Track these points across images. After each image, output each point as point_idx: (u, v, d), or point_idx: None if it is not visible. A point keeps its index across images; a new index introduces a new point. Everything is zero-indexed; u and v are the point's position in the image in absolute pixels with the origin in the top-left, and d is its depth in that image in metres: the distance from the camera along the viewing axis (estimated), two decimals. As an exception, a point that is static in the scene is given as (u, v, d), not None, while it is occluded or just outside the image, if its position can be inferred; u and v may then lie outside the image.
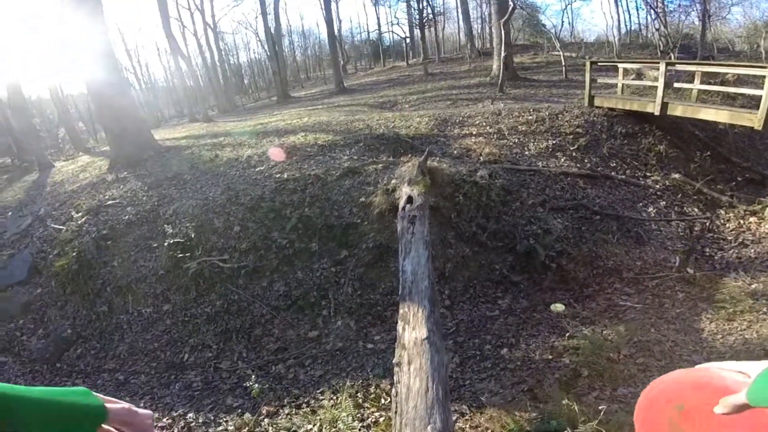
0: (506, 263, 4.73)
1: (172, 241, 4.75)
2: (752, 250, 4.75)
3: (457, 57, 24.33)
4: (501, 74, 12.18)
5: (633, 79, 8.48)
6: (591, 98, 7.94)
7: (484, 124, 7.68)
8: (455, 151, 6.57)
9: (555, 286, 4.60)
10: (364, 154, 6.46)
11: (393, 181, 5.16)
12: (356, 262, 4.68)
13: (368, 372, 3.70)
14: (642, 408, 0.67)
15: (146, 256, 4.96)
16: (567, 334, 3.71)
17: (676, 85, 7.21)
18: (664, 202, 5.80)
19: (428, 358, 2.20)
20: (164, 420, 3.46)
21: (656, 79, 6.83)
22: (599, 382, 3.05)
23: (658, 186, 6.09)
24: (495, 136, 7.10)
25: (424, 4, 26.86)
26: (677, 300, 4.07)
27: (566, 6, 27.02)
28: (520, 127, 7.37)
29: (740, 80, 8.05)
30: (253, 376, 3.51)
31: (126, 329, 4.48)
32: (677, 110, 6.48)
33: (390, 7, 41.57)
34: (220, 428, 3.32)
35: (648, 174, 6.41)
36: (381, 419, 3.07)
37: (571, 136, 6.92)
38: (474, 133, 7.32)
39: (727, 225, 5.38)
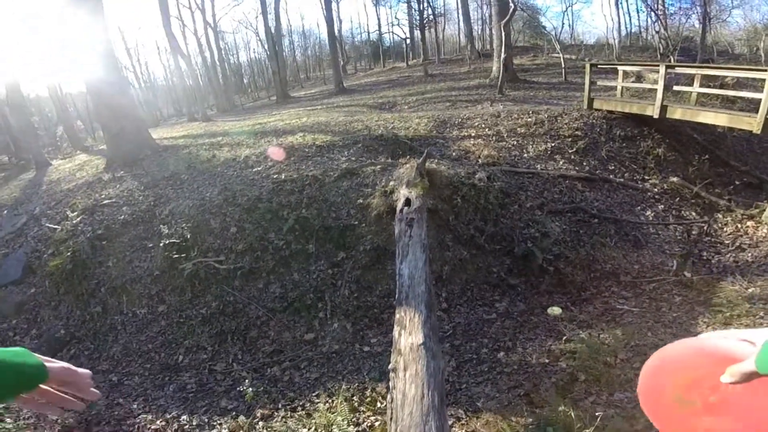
0: (504, 266, 4.72)
1: (167, 242, 4.72)
2: (749, 254, 4.75)
3: (457, 58, 24.34)
4: (501, 76, 12.18)
5: (632, 82, 8.48)
6: (590, 101, 7.94)
7: (483, 125, 7.66)
8: (454, 153, 6.56)
9: (552, 290, 4.59)
10: (363, 155, 6.44)
11: (391, 183, 5.14)
12: (353, 264, 4.65)
13: (364, 375, 3.68)
14: (646, 379, 0.66)
15: (141, 256, 4.92)
16: (564, 338, 3.71)
17: (675, 88, 7.21)
18: (662, 206, 5.79)
19: (424, 364, 2.17)
20: (158, 422, 3.43)
21: (655, 81, 6.83)
22: (596, 387, 3.03)
23: (656, 189, 6.09)
24: (494, 138, 7.09)
25: (425, 5, 26.90)
26: (674, 304, 4.06)
27: (567, 8, 27.08)
28: (519, 129, 7.36)
29: (739, 83, 8.06)
30: (247, 381, 3.49)
31: (120, 330, 4.44)
32: (676, 113, 6.48)
33: (391, 8, 41.59)
34: (214, 431, 3.29)
35: (646, 177, 6.40)
36: (376, 423, 3.04)
37: (570, 139, 6.91)
38: (473, 134, 7.31)
39: (725, 229, 5.38)
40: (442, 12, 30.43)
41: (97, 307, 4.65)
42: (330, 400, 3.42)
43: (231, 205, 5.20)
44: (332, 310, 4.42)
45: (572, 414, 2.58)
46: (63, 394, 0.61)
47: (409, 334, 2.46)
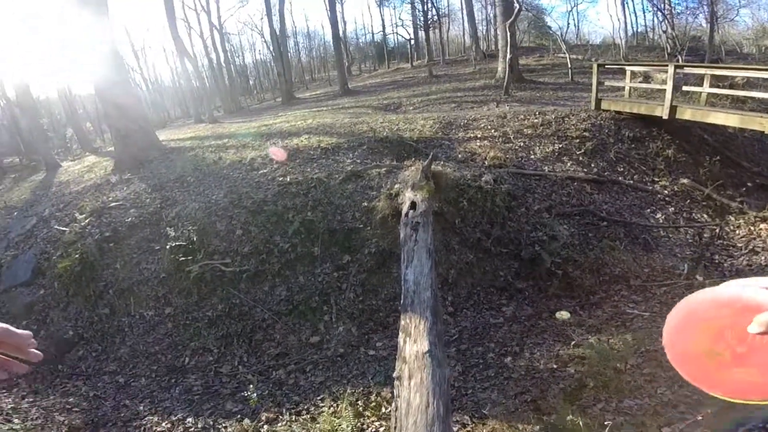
0: (511, 270, 4.67)
1: (174, 244, 4.74)
2: (763, 258, 4.65)
3: (461, 59, 24.26)
4: (506, 76, 12.10)
5: (640, 82, 8.38)
6: (598, 101, 7.85)
7: (489, 127, 7.61)
8: (460, 155, 6.52)
9: (560, 294, 4.53)
10: (368, 157, 6.43)
11: (396, 186, 5.12)
12: (358, 268, 4.63)
13: (369, 379, 3.66)
14: (670, 333, 0.65)
15: (148, 258, 4.95)
16: (572, 343, 3.65)
17: (684, 88, 7.10)
18: (672, 208, 5.70)
19: (429, 373, 2.14)
20: (164, 424, 3.44)
21: (664, 82, 6.73)
22: (605, 394, 2.98)
23: (666, 191, 6.00)
24: (500, 139, 7.04)
25: (429, 5, 26.84)
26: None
27: (572, 8, 26.85)
28: (525, 130, 7.29)
29: (749, 83, 7.92)
30: (251, 386, 3.48)
31: (127, 332, 4.47)
32: (686, 114, 6.38)
33: (395, 9, 41.61)
34: (219, 435, 3.29)
35: (656, 179, 6.31)
36: (381, 429, 3.02)
37: (578, 140, 6.84)
38: (479, 136, 7.26)
39: (737, 232, 5.28)
40: (447, 12, 30.31)
41: (105, 308, 4.69)
42: (335, 404, 3.40)
43: (237, 208, 5.22)
44: (337, 314, 4.40)
45: (580, 422, 2.53)
46: (3, 356, 0.61)
47: (414, 341, 2.43)
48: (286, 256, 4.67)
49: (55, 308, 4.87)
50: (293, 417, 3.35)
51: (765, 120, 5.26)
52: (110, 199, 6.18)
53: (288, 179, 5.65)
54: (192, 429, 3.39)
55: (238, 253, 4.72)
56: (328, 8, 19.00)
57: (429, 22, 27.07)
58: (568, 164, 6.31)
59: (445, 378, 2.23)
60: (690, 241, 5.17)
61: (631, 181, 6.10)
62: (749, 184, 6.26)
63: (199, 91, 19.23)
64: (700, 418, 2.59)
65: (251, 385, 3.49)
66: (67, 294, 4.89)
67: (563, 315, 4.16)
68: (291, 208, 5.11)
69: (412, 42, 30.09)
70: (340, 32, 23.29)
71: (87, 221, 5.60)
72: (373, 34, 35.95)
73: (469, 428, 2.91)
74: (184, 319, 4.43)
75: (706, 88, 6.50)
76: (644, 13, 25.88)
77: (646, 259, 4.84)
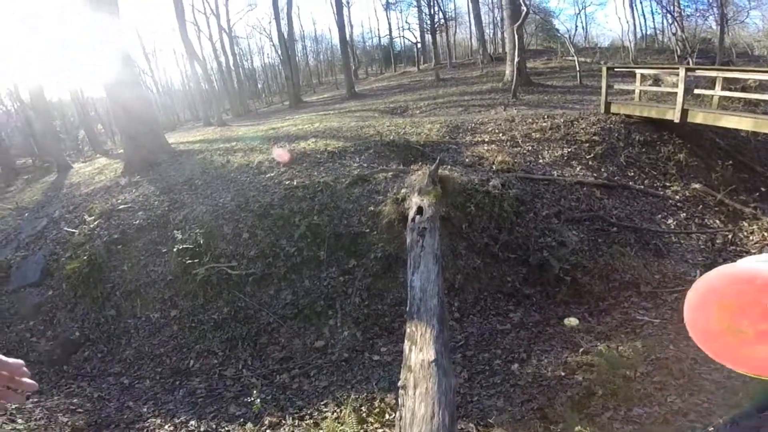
0: (519, 275, 4.61)
1: (181, 247, 4.77)
2: None
3: (468, 62, 24.21)
4: (514, 80, 12.04)
5: (650, 85, 8.28)
6: (607, 105, 7.77)
7: (496, 131, 7.56)
8: (467, 159, 6.48)
9: (569, 300, 4.47)
10: (374, 161, 6.42)
11: (403, 190, 5.10)
12: (364, 272, 4.61)
13: (373, 385, 3.63)
14: (691, 311, 0.65)
15: (155, 261, 4.99)
16: (581, 350, 3.60)
17: (696, 91, 6.98)
18: (684, 214, 5.59)
19: (435, 382, 2.10)
20: (166, 426, 3.44)
21: (674, 85, 6.63)
22: (614, 402, 2.92)
23: (677, 197, 5.89)
24: (508, 143, 6.98)
25: (436, 9, 26.87)
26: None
27: (580, 10, 26.67)
28: (534, 134, 7.23)
29: (762, 86, 7.77)
30: (255, 391, 3.47)
31: (133, 333, 4.50)
32: (698, 117, 6.27)
33: (401, 12, 41.59)
34: (222, 438, 3.28)
35: (667, 184, 6.20)
36: (385, 436, 2.99)
37: (587, 144, 6.75)
38: (486, 140, 7.21)
39: (751, 238, 5.16)
40: (453, 16, 30.33)
41: (112, 310, 4.73)
42: (338, 410, 3.37)
43: (244, 211, 5.24)
44: (343, 318, 4.38)
45: (588, 431, 2.47)
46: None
47: (419, 350, 2.39)
48: (292, 259, 4.67)
49: (63, 309, 4.92)
50: (296, 422, 3.33)
51: (780, 124, 5.15)
52: (119, 201, 6.25)
53: (295, 183, 5.66)
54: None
55: (245, 257, 4.73)
56: (335, 12, 19.16)
57: (436, 25, 27.09)
58: (578, 169, 6.23)
59: (451, 387, 2.19)
60: (702, 247, 5.06)
61: (642, 186, 6.00)
62: (762, 189, 6.12)
63: (208, 94, 19.45)
64: (711, 429, 2.52)
65: (255, 390, 3.48)
66: (74, 295, 4.94)
67: (571, 321, 4.10)
68: (297, 211, 5.11)
69: (419, 45, 30.14)
70: (347, 36, 23.44)
71: (96, 223, 5.68)
72: (379, 37, 36.07)
73: (474, 437, 2.86)
74: (189, 321, 4.44)
75: (717, 91, 6.40)
76: (653, 15, 25.60)
77: (657, 265, 4.75)
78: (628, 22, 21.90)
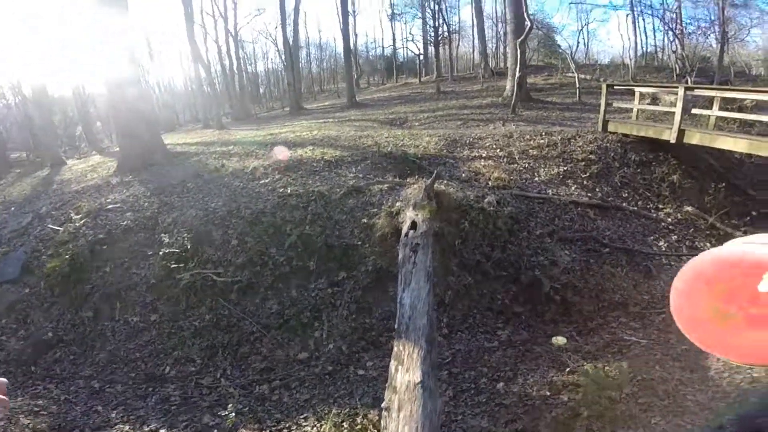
0: (509, 293, 4.57)
1: (167, 251, 4.69)
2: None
3: (470, 76, 24.48)
4: (514, 95, 12.12)
5: (648, 104, 8.31)
6: (605, 123, 7.80)
7: (494, 146, 7.57)
8: (464, 174, 6.46)
9: (558, 319, 4.44)
10: (370, 172, 6.39)
11: (398, 204, 5.07)
12: (354, 285, 4.55)
13: (357, 400, 3.54)
14: (679, 295, 0.63)
15: (139, 264, 4.89)
16: (567, 369, 3.57)
17: (693, 111, 6.97)
18: (675, 236, 5.59)
19: (420, 405, 2.04)
20: None
21: (672, 104, 6.65)
22: (599, 423, 2.88)
23: (670, 219, 5.89)
24: (505, 159, 6.99)
25: (441, 21, 27.25)
26: (683, 336, 3.86)
27: (583, 26, 27.11)
28: (531, 151, 7.25)
29: (758, 106, 7.82)
30: (231, 405, 3.36)
31: (109, 337, 4.38)
32: (694, 138, 6.27)
33: (406, 24, 42.36)
34: (193, 449, 3.17)
35: (660, 206, 6.21)
36: (365, 456, 2.89)
37: (583, 163, 6.77)
38: (484, 155, 7.21)
39: (742, 262, 5.15)
40: (457, 29, 30.79)
41: (89, 312, 4.61)
42: (318, 424, 3.29)
43: (234, 218, 5.18)
44: (329, 330, 4.30)
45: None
46: None
47: (406, 370, 2.32)
48: (280, 269, 4.60)
49: (38, 308, 4.79)
50: (274, 436, 3.23)
51: (774, 146, 5.17)
52: (108, 200, 6.17)
53: (289, 191, 5.61)
54: (165, 441, 3.26)
55: (232, 264, 4.65)
56: (341, 21, 19.39)
57: (439, 38, 27.46)
58: (573, 188, 6.23)
59: (436, 411, 2.13)
60: (693, 270, 5.04)
61: (635, 208, 6.00)
62: (754, 213, 6.15)
63: (209, 97, 19.50)
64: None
65: (230, 404, 3.37)
66: (52, 294, 4.82)
67: (559, 340, 4.07)
68: (289, 220, 5.06)
69: (422, 57, 30.49)
70: (351, 45, 23.66)
71: (82, 222, 5.58)
72: (383, 47, 36.52)
73: (457, 459, 2.78)
74: (169, 327, 4.34)
75: (715, 111, 6.35)
76: (654, 32, 26.00)
77: (647, 286, 4.75)
78: (629, 39, 22.26)
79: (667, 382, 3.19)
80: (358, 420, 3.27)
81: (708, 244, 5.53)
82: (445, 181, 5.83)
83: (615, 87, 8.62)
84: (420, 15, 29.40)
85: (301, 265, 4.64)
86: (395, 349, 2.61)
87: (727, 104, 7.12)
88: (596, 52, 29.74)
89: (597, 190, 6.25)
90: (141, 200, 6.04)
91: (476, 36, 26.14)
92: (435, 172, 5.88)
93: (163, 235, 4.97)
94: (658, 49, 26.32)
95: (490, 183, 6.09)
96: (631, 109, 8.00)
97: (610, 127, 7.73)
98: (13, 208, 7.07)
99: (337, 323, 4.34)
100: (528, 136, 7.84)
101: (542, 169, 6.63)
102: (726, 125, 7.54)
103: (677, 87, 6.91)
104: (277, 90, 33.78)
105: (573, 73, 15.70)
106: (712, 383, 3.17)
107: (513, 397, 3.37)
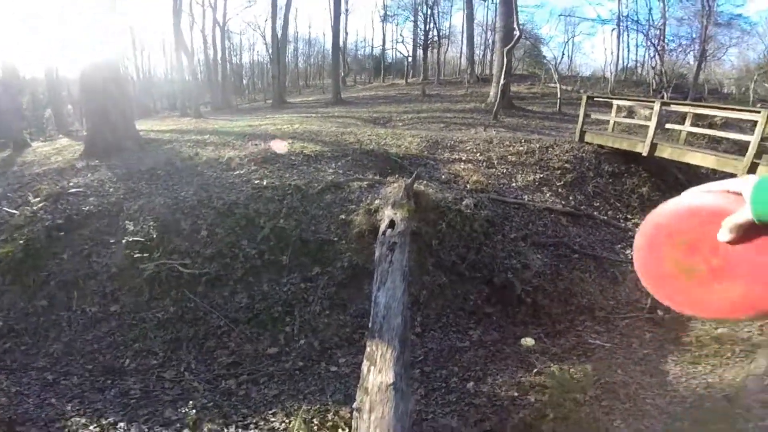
0: (482, 295, 4.63)
1: (131, 239, 4.46)
2: None
3: (455, 80, 24.81)
4: (497, 102, 12.37)
5: (624, 117, 8.61)
6: (582, 134, 8.03)
7: (474, 150, 7.68)
8: (443, 176, 6.52)
9: (528, 321, 4.54)
10: (351, 169, 6.34)
11: (377, 202, 5.04)
12: (328, 281, 4.48)
13: (328, 397, 3.49)
14: (642, 250, 0.61)
15: (101, 251, 4.64)
16: (535, 370, 3.65)
17: (667, 125, 7.25)
18: (642, 245, 5.82)
19: (392, 407, 2.01)
20: (92, 427, 3.14)
21: (647, 117, 6.90)
22: (563, 426, 2.94)
23: (637, 229, 6.14)
24: (484, 164, 7.09)
25: (431, 25, 27.51)
26: (645, 341, 4.08)
27: (569, 38, 27.97)
28: (509, 157, 7.39)
29: (726, 123, 8.23)
30: (191, 402, 3.23)
31: (65, 327, 4.12)
32: (665, 152, 6.54)
33: (397, 25, 42.39)
34: (154, 444, 3.03)
35: (629, 216, 6.46)
36: (334, 453, 2.84)
37: (559, 171, 6.96)
38: (464, 158, 7.30)
39: (701, 270, 5.43)
40: (447, 34, 31.16)
41: (44, 300, 4.33)
42: (287, 421, 3.22)
43: (205, 207, 4.99)
44: (300, 326, 4.21)
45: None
46: None
47: (378, 371, 2.28)
48: (251, 262, 4.47)
49: (-13, 297, 4.46)
50: (240, 430, 3.14)
51: (738, 163, 5.44)
52: (71, 184, 5.83)
53: (264, 183, 5.48)
54: (123, 435, 3.11)
55: (200, 255, 4.48)
56: (332, 17, 19.23)
57: (429, 41, 27.71)
58: (547, 195, 6.39)
59: (407, 413, 2.11)
60: (657, 277, 5.28)
61: (606, 217, 6.21)
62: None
63: (189, 85, 18.90)
64: None
65: (191, 402, 3.24)
66: (3, 282, 4.49)
67: (528, 342, 4.15)
68: (263, 213, 4.93)
69: (410, 59, 30.70)
70: (341, 42, 23.50)
71: (41, 205, 5.24)
72: (372, 47, 36.54)
73: (424, 458, 2.78)
74: (130, 318, 4.13)
75: (686, 127, 6.58)
76: (636, 48, 27.12)
77: (613, 292, 4.92)
78: (612, 53, 23.05)
79: (629, 386, 3.30)
80: (329, 417, 3.22)
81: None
82: (425, 182, 5.85)
83: (594, 99, 8.90)
84: (412, 18, 29.60)
85: (273, 259, 4.53)
86: (368, 349, 2.57)
87: (698, 120, 7.43)
88: (579, 64, 30.77)
89: (570, 198, 6.44)
90: (106, 185, 5.74)
91: (465, 42, 26.52)
92: (415, 172, 5.90)
93: (127, 222, 4.73)
94: (638, 64, 27.51)
95: (468, 186, 6.17)
96: (608, 121, 8.27)
97: (587, 138, 7.98)
98: (-34, 190, 6.57)
99: (309, 319, 4.27)
100: (508, 143, 8.00)
101: (519, 175, 6.78)
102: (696, 140, 7.91)
103: (653, 102, 7.17)
104: (261, 82, 33.19)
105: (555, 83, 16.17)
106: (670, 388, 3.30)
107: (482, 396, 3.41)
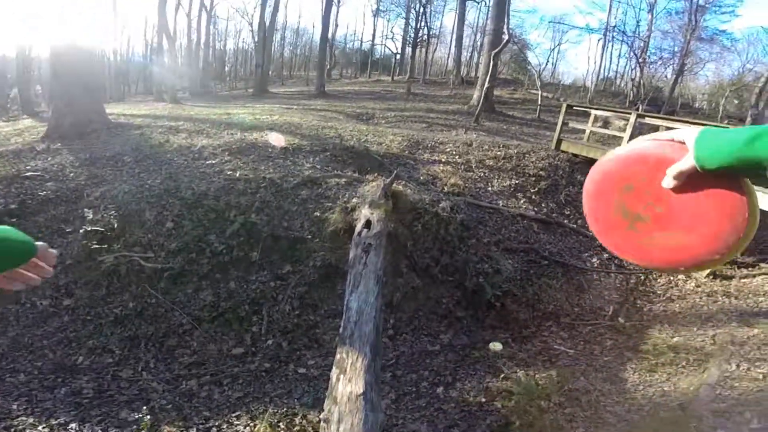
0: (453, 298, 4.66)
1: (89, 229, 4.20)
2: (677, 305, 5.00)
3: (441, 81, 24.94)
4: (479, 105, 12.50)
5: (600, 127, 8.83)
6: (559, 142, 8.20)
7: (454, 152, 7.72)
8: (422, 177, 6.51)
9: (496, 325, 4.61)
10: (329, 164, 6.23)
11: (354, 200, 4.97)
12: (300, 280, 4.39)
13: (295, 400, 3.42)
14: (591, 197, 0.63)
15: (55, 241, 4.34)
16: (502, 376, 3.71)
17: (640, 137, 7.54)
18: (606, 255, 6.02)
19: (361, 418, 1.96)
20: (40, 427, 2.96)
21: (621, 129, 7.11)
22: None
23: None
24: (463, 167, 7.14)
25: (422, 24, 27.46)
26: (606, 348, 4.21)
27: (556, 46, 28.60)
28: (487, 161, 7.47)
29: None
30: (145, 408, 3.10)
31: (12, 321, 3.84)
32: (634, 165, 6.77)
33: (389, 21, 42.14)
34: (107, 446, 2.89)
35: (598, 225, 6.67)
36: (299, 458, 2.79)
37: (534, 178, 7.10)
38: (443, 160, 7.33)
39: (659, 280, 5.66)
40: (437, 33, 31.22)
41: (-10, 293, 4.03)
42: (252, 424, 3.13)
43: (172, 197, 4.77)
44: (268, 326, 4.11)
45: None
46: (27, 272, 0.66)
47: (348, 380, 2.22)
48: (218, 258, 4.30)
49: (-73, 288, 4.10)
50: (200, 434, 3.03)
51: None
52: (28, 167, 5.44)
53: (237, 174, 5.29)
54: (75, 437, 2.94)
55: (164, 248, 4.27)
56: (324, 8, 18.83)
57: (418, 39, 27.67)
58: (521, 201, 6.51)
59: (377, 424, 2.06)
60: (618, 285, 5.48)
61: (575, 226, 6.39)
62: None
63: (167, 69, 18.10)
64: None
65: (149, 403, 3.10)
66: (-56, 271, 4.15)
67: (496, 346, 4.22)
68: (234, 206, 4.76)
69: (398, 57, 30.58)
70: (330, 34, 23.09)
71: (-8, 189, 4.88)
72: (361, 41, 36.18)
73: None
74: (85, 313, 3.90)
75: (659, 140, 6.91)
76: (619, 59, 27.96)
77: (578, 299, 5.06)
78: (595, 62, 23.60)
79: (590, 393, 3.38)
80: (297, 420, 3.16)
81: (633, 264, 6.04)
82: (404, 182, 5.83)
83: (573, 107, 9.11)
84: (404, 15, 29.47)
85: (242, 255, 4.39)
86: (338, 356, 2.50)
87: (668, 133, 7.71)
88: (561, 72, 31.59)
89: (543, 205, 6.58)
90: (67, 170, 5.39)
91: (454, 43, 26.66)
92: (395, 171, 5.86)
93: (87, 210, 4.45)
94: (618, 75, 28.41)
95: (446, 188, 6.19)
96: (584, 130, 8.48)
97: (563, 146, 8.17)
98: None
99: (278, 318, 4.17)
100: (487, 147, 8.09)
101: (496, 180, 6.87)
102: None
103: (630, 113, 7.39)
104: (244, 70, 32.25)
105: (537, 90, 16.51)
106: (628, 395, 3.39)
107: (451, 402, 3.44)
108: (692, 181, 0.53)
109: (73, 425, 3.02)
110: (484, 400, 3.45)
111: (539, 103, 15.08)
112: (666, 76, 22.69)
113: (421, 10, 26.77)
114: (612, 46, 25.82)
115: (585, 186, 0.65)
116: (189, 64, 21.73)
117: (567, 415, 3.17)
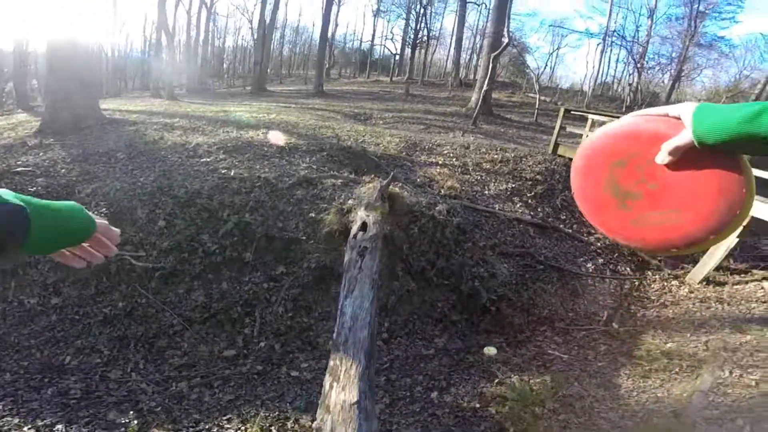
0: (448, 302, 4.63)
1: (80, 227, 4.14)
2: (671, 311, 5.01)
3: (439, 83, 24.95)
4: (477, 107, 12.50)
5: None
6: (556, 146, 8.21)
7: (451, 155, 7.71)
8: (419, 179, 6.49)
9: (491, 329, 4.59)
10: (325, 164, 6.19)
11: (350, 201, 4.93)
12: (293, 281, 4.34)
13: (288, 404, 3.37)
14: (580, 173, 0.60)
15: (45, 239, 4.28)
16: (496, 381, 3.69)
17: None
18: (602, 260, 6.03)
19: (355, 428, 1.91)
20: (26, 428, 2.91)
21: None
22: None
23: (599, 243, 6.35)
24: (459, 169, 7.12)
25: (422, 25, 27.48)
26: (600, 353, 4.20)
27: (555, 50, 28.70)
28: (484, 164, 7.46)
29: None
30: (133, 411, 3.04)
31: (-2, 319, 3.79)
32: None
33: (389, 22, 42.10)
34: (95, 449, 2.83)
35: (592, 231, 6.66)
36: (290, 464, 2.75)
37: (530, 182, 7.09)
38: (440, 162, 7.31)
39: (653, 286, 5.67)
40: (437, 35, 31.24)
41: (-24, 291, 3.95)
42: (243, 428, 3.08)
43: (165, 196, 4.70)
44: (261, 327, 4.06)
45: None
46: (91, 249, 0.67)
47: (342, 388, 2.17)
48: (211, 258, 4.25)
49: None
50: (189, 437, 2.98)
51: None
52: (19, 163, 5.35)
53: (232, 173, 5.24)
54: (61, 439, 2.88)
55: (155, 247, 4.22)
56: (324, 6, 18.77)
57: (418, 41, 27.68)
58: (518, 205, 6.50)
59: None
60: (612, 291, 5.48)
61: (570, 230, 6.39)
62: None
63: (165, 65, 17.97)
64: None
65: (138, 404, 3.05)
66: (-71, 270, 4.07)
67: (490, 351, 4.20)
68: (228, 205, 4.71)
69: (397, 57, 30.57)
70: (329, 33, 23.02)
71: (-21, 184, 4.79)
72: (361, 41, 36.14)
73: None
74: (73, 313, 3.84)
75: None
76: (617, 64, 28.09)
77: (572, 304, 5.05)
78: (594, 67, 23.71)
79: (584, 399, 3.37)
80: (289, 425, 3.12)
81: (628, 269, 6.04)
82: (400, 184, 5.80)
83: (571, 112, 9.11)
84: (404, 16, 29.47)
85: (236, 255, 4.34)
86: (331, 362, 2.45)
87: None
88: (559, 76, 31.70)
89: (539, 209, 6.57)
90: (59, 166, 5.31)
91: (453, 44, 26.68)
92: (392, 173, 5.83)
93: (78, 208, 4.39)
94: (615, 80, 28.55)
95: (442, 191, 6.17)
96: (581, 135, 8.49)
97: (560, 151, 8.18)
98: None
99: (271, 320, 4.12)
100: (484, 150, 8.08)
101: (492, 184, 6.85)
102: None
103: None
104: (242, 68, 32.09)
105: (535, 94, 16.55)
106: (622, 401, 3.38)
107: (445, 407, 3.40)
108: (687, 157, 0.51)
109: (59, 426, 2.97)
110: (478, 405, 3.43)
111: (537, 106, 15.12)
112: (663, 82, 22.83)
113: (422, 11, 26.83)
114: (611, 50, 25.98)
115: (573, 162, 0.62)
116: (187, 61, 21.60)
117: (561, 422, 3.15)
